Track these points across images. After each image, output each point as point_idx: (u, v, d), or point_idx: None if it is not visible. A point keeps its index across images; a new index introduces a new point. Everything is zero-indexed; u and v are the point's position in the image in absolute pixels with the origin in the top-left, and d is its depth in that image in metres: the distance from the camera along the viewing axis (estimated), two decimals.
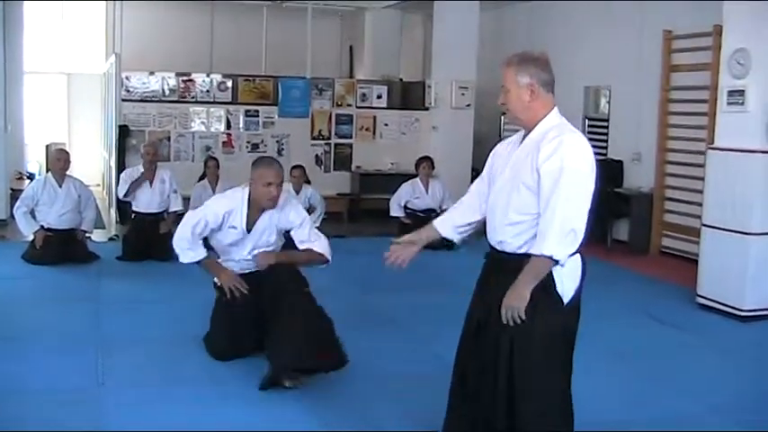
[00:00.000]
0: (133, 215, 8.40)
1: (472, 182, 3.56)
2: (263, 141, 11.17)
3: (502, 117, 11.33)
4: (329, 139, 11.58)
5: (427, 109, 11.63)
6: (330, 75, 12.46)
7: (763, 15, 6.23)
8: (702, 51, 8.40)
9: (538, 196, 3.05)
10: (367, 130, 11.74)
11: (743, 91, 6.36)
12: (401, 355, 5.25)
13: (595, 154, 3.16)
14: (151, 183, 8.15)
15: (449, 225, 3.50)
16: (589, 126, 10.32)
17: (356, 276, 7.28)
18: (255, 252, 4.77)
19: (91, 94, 14.11)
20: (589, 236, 3.10)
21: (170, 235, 8.06)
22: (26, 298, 6.51)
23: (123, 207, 9.51)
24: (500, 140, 3.51)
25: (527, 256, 3.09)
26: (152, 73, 11.12)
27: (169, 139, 10.82)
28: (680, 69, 8.91)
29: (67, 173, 7.89)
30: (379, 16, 13.97)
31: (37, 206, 7.74)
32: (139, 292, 6.76)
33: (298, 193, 8.58)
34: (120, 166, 9.81)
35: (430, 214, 8.22)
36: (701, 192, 7.25)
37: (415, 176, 9.50)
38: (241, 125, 11.14)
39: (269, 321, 4.55)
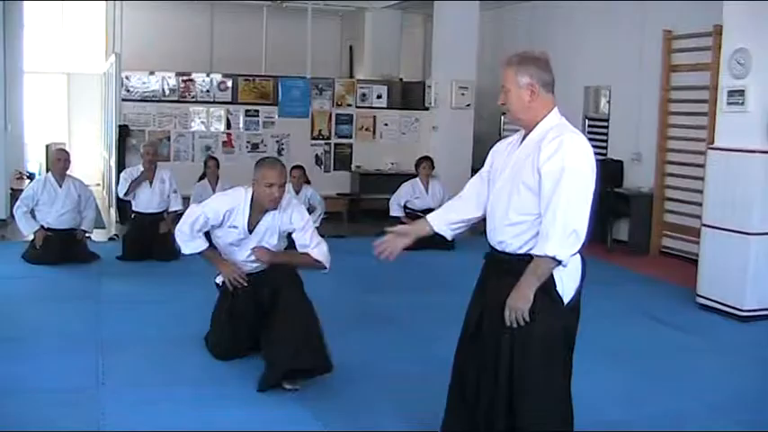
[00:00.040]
0: (133, 215, 8.41)
1: None
2: (263, 141, 11.17)
3: (502, 117, 11.34)
4: (329, 138, 11.57)
5: (427, 109, 11.63)
6: (330, 75, 12.46)
7: (763, 15, 6.23)
8: (702, 51, 8.40)
9: (539, 197, 3.05)
10: (367, 129, 11.74)
11: (743, 91, 6.36)
12: (401, 355, 5.25)
13: (595, 154, 3.16)
14: (151, 182, 8.16)
15: (443, 221, 3.48)
16: (589, 126, 10.32)
17: (356, 276, 7.28)
18: (255, 258, 4.75)
19: (91, 93, 14.11)
20: (589, 236, 3.10)
21: (170, 235, 8.16)
22: (26, 298, 6.51)
23: (123, 207, 9.53)
24: (500, 140, 3.51)
25: (527, 256, 3.09)
26: (152, 73, 11.11)
27: (169, 138, 10.82)
28: (680, 69, 8.91)
29: (67, 173, 7.89)
30: (379, 16, 13.97)
31: (37, 206, 7.74)
32: (139, 291, 6.76)
33: (297, 193, 8.59)
34: (120, 166, 9.81)
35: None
36: (701, 192, 7.25)
37: (415, 176, 9.50)
38: (241, 125, 11.14)
39: (266, 320, 4.55)
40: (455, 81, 11.16)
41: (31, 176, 11.46)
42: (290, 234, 4.79)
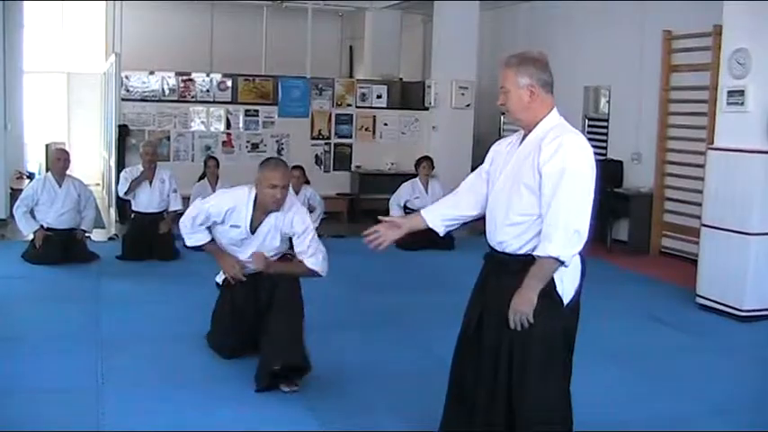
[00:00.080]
0: (133, 215, 8.41)
1: None
2: (262, 141, 11.17)
3: (502, 117, 11.33)
4: (329, 138, 11.57)
5: (427, 109, 11.63)
6: (330, 75, 12.46)
7: (763, 15, 6.23)
8: (702, 51, 8.40)
9: (539, 197, 3.05)
10: (367, 129, 11.74)
11: (743, 91, 6.36)
12: (401, 355, 5.25)
13: (595, 154, 3.16)
14: (151, 182, 8.16)
15: (437, 216, 3.47)
16: (589, 126, 10.32)
17: (356, 276, 7.28)
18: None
19: (91, 93, 14.11)
20: (589, 236, 3.10)
21: (170, 234, 8.18)
22: (26, 298, 6.51)
23: (123, 207, 9.53)
24: (499, 139, 3.50)
25: (527, 256, 3.09)
26: (152, 72, 11.11)
27: (169, 138, 10.81)
28: (680, 69, 8.91)
29: (67, 172, 7.89)
30: (378, 16, 13.97)
31: (37, 206, 7.73)
32: (139, 291, 6.76)
33: (297, 193, 8.58)
34: (120, 166, 9.80)
35: None
36: (700, 192, 7.25)
37: (414, 176, 9.50)
38: (241, 125, 11.14)
39: (264, 319, 4.56)
40: (455, 81, 11.16)
41: (30, 176, 11.45)
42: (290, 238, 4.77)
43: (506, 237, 3.17)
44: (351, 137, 11.65)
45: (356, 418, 4.14)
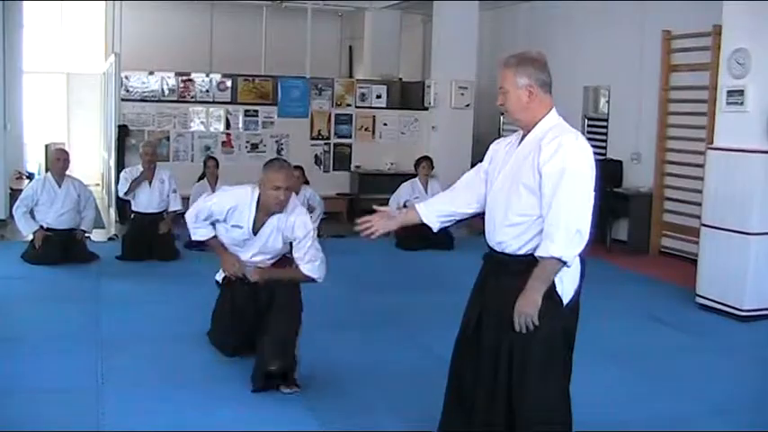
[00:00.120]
0: (132, 215, 8.41)
1: None
2: (262, 141, 11.17)
3: (501, 117, 11.33)
4: (328, 139, 11.57)
5: (426, 109, 11.63)
6: (329, 75, 12.45)
7: (763, 15, 6.23)
8: (702, 51, 8.40)
9: (539, 197, 3.05)
10: (366, 129, 11.73)
11: (742, 91, 6.36)
12: (400, 354, 5.25)
13: (595, 154, 3.16)
14: (150, 183, 8.15)
15: (432, 211, 3.45)
16: (588, 126, 10.32)
17: (356, 276, 7.28)
18: (258, 259, 4.74)
19: (90, 93, 14.10)
20: (589, 236, 3.10)
21: (169, 234, 8.18)
22: (26, 298, 6.50)
23: (123, 207, 9.53)
24: (498, 138, 3.50)
25: (527, 257, 3.09)
26: (151, 73, 11.11)
27: (168, 138, 10.81)
28: (679, 69, 8.91)
29: (67, 172, 7.89)
30: (378, 16, 13.97)
31: (36, 206, 7.73)
32: (139, 291, 6.76)
33: (297, 193, 8.57)
34: (120, 166, 9.80)
35: None
36: (700, 192, 7.26)
37: (414, 176, 9.51)
38: (240, 125, 11.13)
39: (263, 317, 4.56)
40: (454, 81, 11.17)
41: (30, 176, 11.45)
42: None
43: (505, 237, 3.17)
44: (350, 137, 11.65)
45: (356, 418, 4.14)
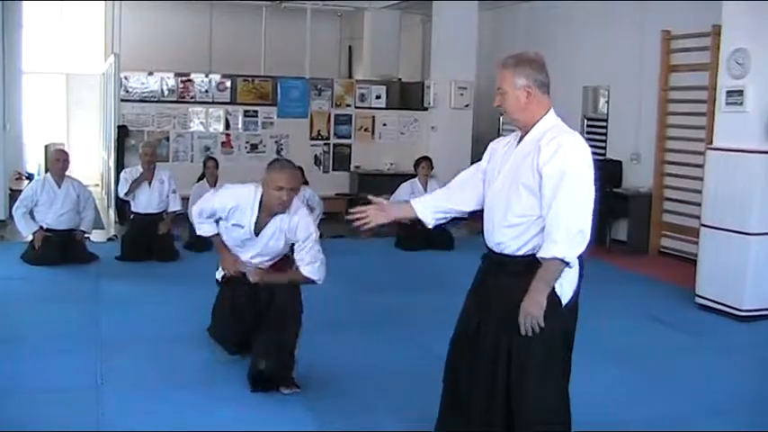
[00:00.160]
0: (132, 215, 8.41)
1: None
2: (261, 142, 11.17)
3: (501, 117, 11.33)
4: (328, 139, 11.58)
5: (426, 109, 11.63)
6: (329, 75, 12.46)
7: (763, 15, 6.24)
8: (701, 51, 8.40)
9: (539, 198, 3.04)
10: (366, 130, 11.74)
11: (742, 91, 6.36)
12: (400, 354, 5.26)
13: (594, 154, 3.16)
14: (150, 183, 8.15)
15: (427, 207, 3.44)
16: (588, 126, 10.32)
17: (356, 276, 7.28)
18: (258, 260, 4.72)
19: (90, 94, 14.10)
20: (589, 237, 3.10)
21: (169, 235, 8.18)
22: (25, 298, 6.50)
23: (122, 207, 9.53)
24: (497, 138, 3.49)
25: (526, 257, 3.09)
26: (151, 73, 11.11)
27: (168, 139, 10.81)
28: (679, 69, 8.92)
29: (66, 173, 7.89)
30: (377, 16, 13.97)
31: (36, 206, 7.73)
32: (138, 292, 6.76)
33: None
34: (119, 167, 9.80)
35: None
36: (699, 192, 7.26)
37: (413, 176, 9.51)
38: (240, 125, 11.13)
39: (263, 317, 4.56)
40: (454, 81, 11.18)
41: (29, 177, 11.45)
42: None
43: (504, 238, 3.17)
44: (350, 137, 11.66)
45: (356, 418, 4.14)
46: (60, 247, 7.63)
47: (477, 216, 3.43)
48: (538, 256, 3.03)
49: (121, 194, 8.29)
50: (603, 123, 10.19)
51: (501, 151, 3.30)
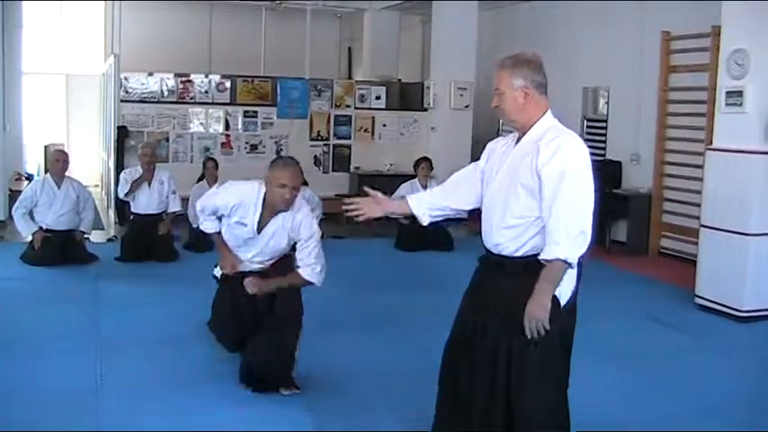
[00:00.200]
0: (132, 216, 8.41)
1: None
2: (261, 142, 11.17)
3: (500, 118, 11.33)
4: (328, 139, 11.58)
5: (426, 110, 11.64)
6: (329, 76, 12.47)
7: (762, 16, 6.24)
8: (701, 52, 8.41)
9: (538, 199, 3.04)
10: (365, 130, 11.74)
11: (741, 92, 6.36)
12: (400, 355, 5.26)
13: (594, 155, 3.17)
14: (149, 184, 8.15)
15: (423, 204, 3.44)
16: (588, 127, 10.32)
17: (355, 276, 7.28)
18: (259, 259, 4.72)
19: (89, 94, 14.10)
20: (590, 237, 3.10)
21: (169, 236, 8.18)
22: (25, 299, 6.50)
23: (122, 208, 9.53)
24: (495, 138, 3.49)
25: (524, 258, 3.09)
26: (151, 74, 11.12)
27: (168, 140, 10.81)
28: (678, 70, 8.92)
29: (66, 174, 7.89)
30: (377, 17, 13.97)
31: (35, 207, 7.73)
32: (138, 292, 6.76)
33: None
34: (119, 167, 9.80)
35: None
36: (699, 192, 7.26)
37: (413, 177, 9.50)
38: (240, 126, 11.13)
39: (262, 318, 4.55)
40: (454, 82, 11.18)
41: (29, 178, 11.45)
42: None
43: (502, 239, 3.16)
44: (350, 138, 11.66)
45: (355, 418, 4.14)
46: (60, 248, 7.64)
47: (476, 216, 3.43)
48: (540, 258, 3.02)
49: (121, 195, 8.29)
50: (603, 124, 10.19)
51: (499, 151, 3.30)
